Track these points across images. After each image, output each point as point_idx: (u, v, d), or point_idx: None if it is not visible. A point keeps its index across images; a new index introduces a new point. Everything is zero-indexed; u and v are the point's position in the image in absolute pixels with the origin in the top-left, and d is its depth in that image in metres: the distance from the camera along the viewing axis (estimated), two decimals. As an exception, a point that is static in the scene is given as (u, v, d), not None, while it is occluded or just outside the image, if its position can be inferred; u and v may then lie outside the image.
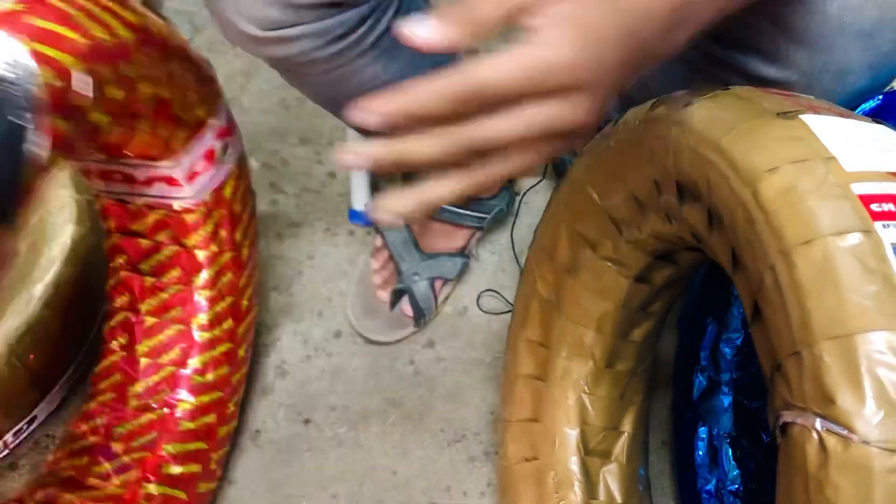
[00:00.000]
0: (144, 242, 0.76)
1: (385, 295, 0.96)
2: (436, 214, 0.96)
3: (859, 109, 0.60)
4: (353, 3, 0.65)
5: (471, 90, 0.39)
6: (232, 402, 0.81)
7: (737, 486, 0.76)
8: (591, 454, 0.75)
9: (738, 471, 0.76)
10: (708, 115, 0.51)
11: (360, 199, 1.02)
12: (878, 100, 0.59)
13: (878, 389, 0.38)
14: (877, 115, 0.58)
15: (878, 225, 0.41)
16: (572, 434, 0.75)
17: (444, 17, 0.38)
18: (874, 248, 0.40)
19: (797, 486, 0.41)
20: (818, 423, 0.40)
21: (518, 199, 1.04)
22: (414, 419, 0.91)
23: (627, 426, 0.77)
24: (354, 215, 1.04)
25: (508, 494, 0.78)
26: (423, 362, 0.95)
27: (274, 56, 0.67)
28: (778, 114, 0.47)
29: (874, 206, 0.41)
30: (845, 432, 0.38)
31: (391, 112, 0.39)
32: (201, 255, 0.76)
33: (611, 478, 0.76)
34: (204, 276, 0.77)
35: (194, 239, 0.76)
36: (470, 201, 0.96)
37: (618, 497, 0.75)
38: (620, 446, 0.76)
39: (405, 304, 0.95)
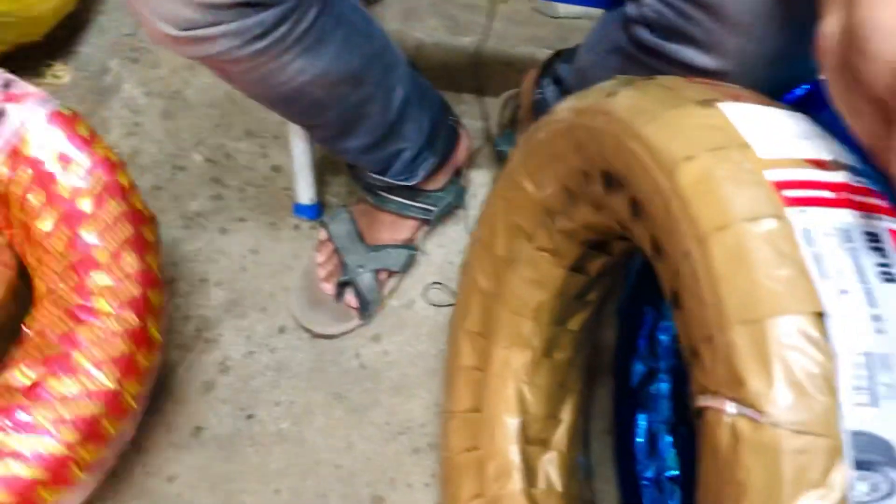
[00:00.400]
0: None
1: (330, 288, 0.96)
2: (381, 205, 0.95)
3: (788, 96, 0.60)
4: (272, 3, 0.64)
5: None
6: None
7: (675, 472, 0.77)
8: (531, 443, 0.76)
9: (676, 458, 0.77)
10: (631, 104, 0.51)
11: (304, 192, 1.01)
12: (806, 87, 0.60)
13: (786, 373, 0.38)
14: (806, 102, 0.59)
15: (790, 210, 0.41)
16: (512, 423, 0.75)
17: None
18: (786, 234, 0.40)
19: (712, 469, 0.42)
20: (729, 407, 0.40)
21: (466, 192, 1.04)
22: (359, 413, 0.91)
23: (567, 415, 0.77)
24: (300, 209, 1.03)
25: (450, 485, 0.78)
26: (368, 356, 0.95)
27: (196, 55, 0.67)
28: (698, 102, 0.48)
29: (787, 192, 0.42)
30: (755, 415, 0.39)
31: None
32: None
33: (551, 466, 0.76)
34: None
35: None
36: (416, 193, 0.95)
37: (557, 485, 0.75)
38: (560, 435, 0.77)
39: (350, 296, 0.95)
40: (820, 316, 0.38)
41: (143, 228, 0.80)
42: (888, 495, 0.36)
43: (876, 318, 0.38)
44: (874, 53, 0.37)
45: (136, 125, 1.12)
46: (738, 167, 0.43)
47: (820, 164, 0.43)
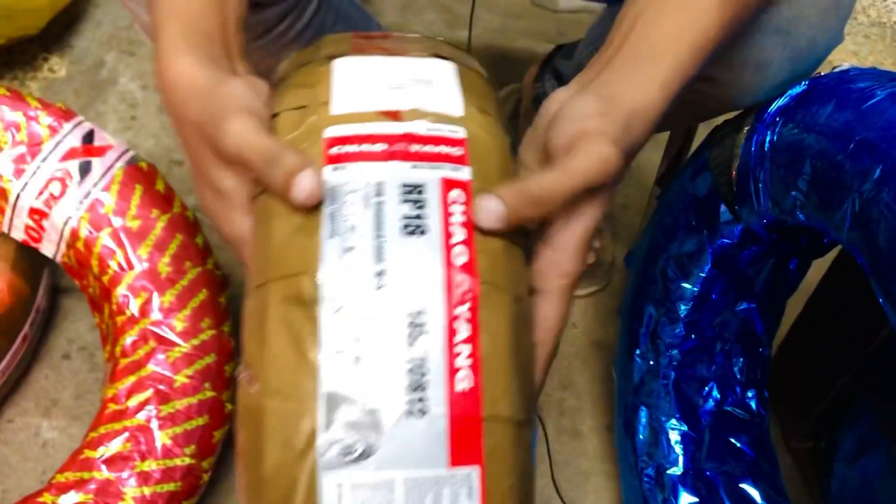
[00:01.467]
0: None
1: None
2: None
3: (786, 95, 0.60)
4: (271, 2, 0.64)
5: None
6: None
7: (677, 468, 0.77)
8: None
9: (677, 454, 0.77)
10: (284, 65, 0.50)
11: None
12: (804, 85, 0.59)
13: (275, 336, 0.38)
14: (803, 101, 0.58)
15: (327, 169, 0.40)
16: None
17: (512, 198, 0.40)
18: None
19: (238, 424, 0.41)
20: (240, 369, 0.41)
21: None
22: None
23: None
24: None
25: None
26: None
27: None
28: (323, 58, 0.47)
29: (334, 150, 0.41)
30: (248, 378, 0.39)
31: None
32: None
33: None
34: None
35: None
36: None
37: None
38: None
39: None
40: (316, 276, 0.38)
41: (218, 293, 0.79)
42: (363, 456, 0.36)
43: (379, 275, 0.38)
44: None
45: (133, 119, 1.11)
46: (300, 125, 0.43)
47: (392, 115, 0.42)
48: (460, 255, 0.39)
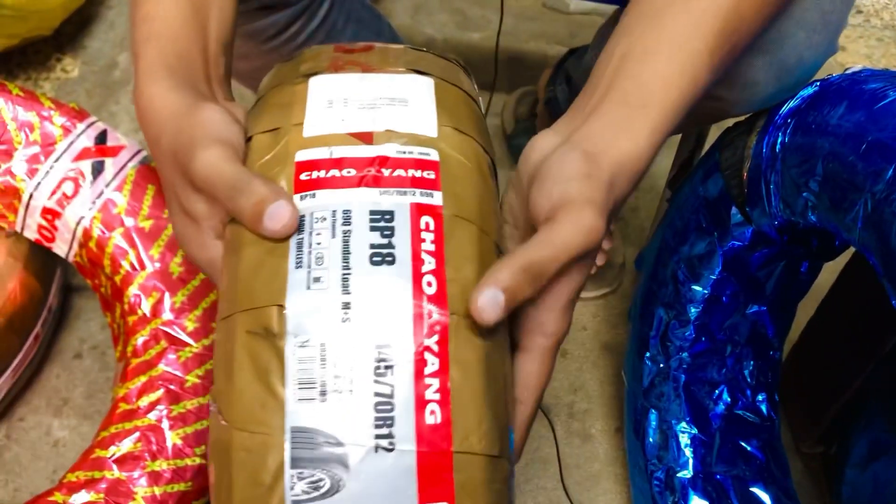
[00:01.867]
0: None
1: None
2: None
3: (798, 96, 0.60)
4: (285, 4, 0.64)
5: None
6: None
7: (687, 471, 0.76)
8: None
9: (687, 457, 0.77)
10: (264, 82, 0.49)
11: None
12: (816, 86, 0.59)
13: (242, 370, 0.37)
14: (814, 102, 0.58)
15: (297, 197, 0.40)
16: None
17: (507, 299, 0.38)
18: None
19: (208, 458, 0.41)
20: (210, 402, 0.40)
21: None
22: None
23: None
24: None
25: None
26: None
27: None
28: (301, 76, 0.46)
29: (305, 175, 0.40)
30: (218, 413, 0.38)
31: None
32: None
33: None
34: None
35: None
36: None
37: None
38: None
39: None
40: (282, 308, 0.37)
41: None
42: (330, 492, 0.35)
43: (346, 307, 0.37)
44: None
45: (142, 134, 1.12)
46: (275, 150, 0.42)
47: (363, 137, 0.41)
48: (430, 286, 0.38)
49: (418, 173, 0.40)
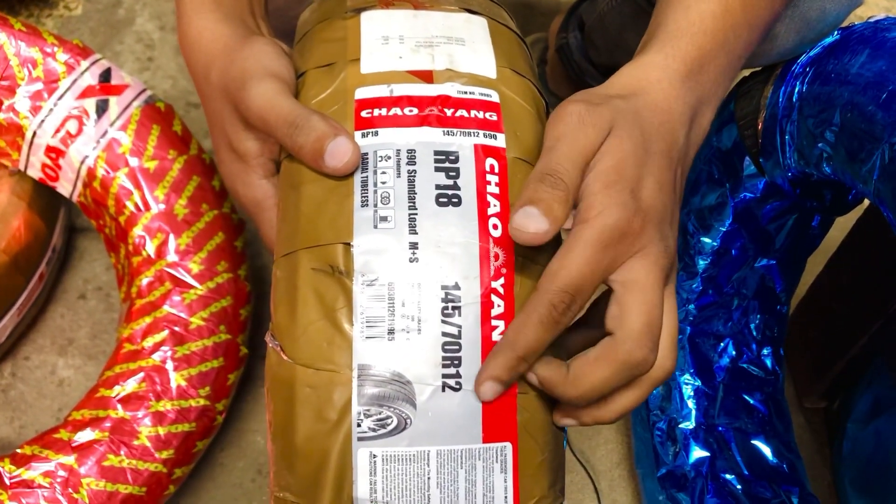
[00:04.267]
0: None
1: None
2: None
3: (818, 45, 0.59)
4: None
5: (571, 298, 0.37)
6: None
7: (689, 423, 0.77)
8: None
9: (690, 409, 0.77)
10: (306, 16, 0.48)
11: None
12: (837, 35, 0.58)
13: (306, 307, 0.37)
14: (834, 50, 0.57)
15: (359, 134, 0.39)
16: None
17: (543, 200, 0.37)
18: None
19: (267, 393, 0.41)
20: (269, 338, 0.40)
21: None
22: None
23: None
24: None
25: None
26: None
27: None
28: (350, 10, 0.45)
29: (365, 113, 0.40)
30: (279, 348, 0.38)
31: (512, 369, 0.37)
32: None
33: None
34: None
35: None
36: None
37: None
38: None
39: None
40: (349, 247, 0.37)
41: (234, 237, 0.79)
42: (397, 430, 0.36)
43: (413, 247, 0.37)
44: None
45: (150, 60, 1.10)
46: (331, 86, 0.41)
47: (423, 76, 0.41)
48: (496, 228, 0.38)
49: (481, 114, 0.40)
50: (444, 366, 0.36)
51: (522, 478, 0.37)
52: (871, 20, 0.57)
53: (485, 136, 0.39)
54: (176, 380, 0.73)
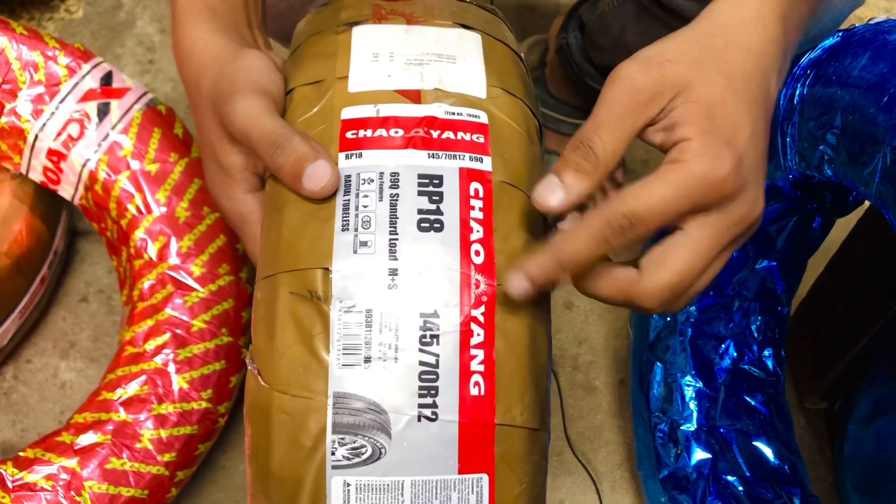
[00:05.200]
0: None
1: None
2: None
3: (819, 47, 0.59)
4: None
5: (629, 224, 0.36)
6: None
7: (690, 424, 0.77)
8: None
9: (691, 410, 0.77)
10: (301, 27, 0.48)
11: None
12: (838, 37, 0.58)
13: (284, 332, 0.37)
14: (836, 53, 0.57)
15: (342, 156, 0.39)
16: None
17: (568, 171, 0.37)
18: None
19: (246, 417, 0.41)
20: (248, 360, 0.39)
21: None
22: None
23: None
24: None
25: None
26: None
27: None
28: (342, 24, 0.44)
29: (350, 133, 0.39)
30: (257, 372, 0.38)
31: (549, 273, 0.37)
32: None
33: None
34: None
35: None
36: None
37: None
38: None
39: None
40: (328, 272, 0.37)
41: (235, 239, 0.79)
42: (371, 458, 0.35)
43: (393, 273, 0.37)
44: None
45: (151, 63, 1.10)
46: (320, 105, 0.41)
47: (411, 96, 0.40)
48: (478, 255, 0.37)
49: (468, 136, 0.39)
50: (420, 395, 0.36)
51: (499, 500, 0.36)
52: (872, 22, 0.57)
53: (471, 159, 0.39)
54: (178, 382, 0.73)
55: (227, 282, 0.77)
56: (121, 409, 0.72)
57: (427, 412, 0.36)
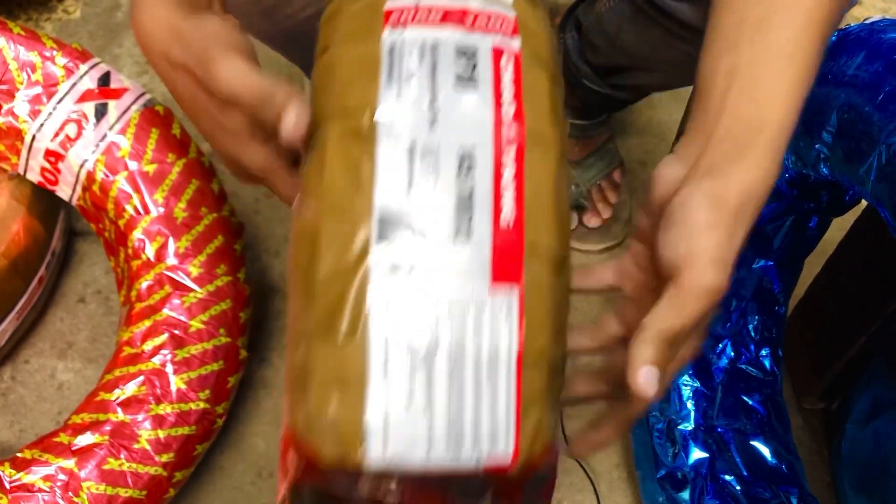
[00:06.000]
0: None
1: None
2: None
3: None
4: None
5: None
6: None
7: (688, 424, 0.77)
8: None
9: (689, 410, 0.77)
10: None
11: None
12: (833, 37, 0.58)
13: (333, 161, 0.41)
14: (832, 52, 0.57)
15: (387, 30, 0.42)
16: None
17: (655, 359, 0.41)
18: (371, 49, 0.42)
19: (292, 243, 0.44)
20: (295, 204, 0.43)
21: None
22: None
23: None
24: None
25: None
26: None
27: None
28: None
29: (391, 18, 0.43)
30: (306, 202, 0.42)
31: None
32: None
33: None
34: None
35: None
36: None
37: None
38: None
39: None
40: (374, 113, 0.40)
41: (233, 240, 0.79)
42: (411, 270, 0.39)
43: (433, 115, 0.41)
44: None
45: (148, 63, 1.10)
46: (364, 3, 0.44)
47: None
48: (510, 107, 0.42)
49: (499, 24, 0.44)
50: (457, 217, 0.39)
51: (528, 326, 0.39)
52: (868, 21, 0.58)
53: (502, 38, 0.43)
54: (176, 383, 0.73)
55: (225, 282, 0.77)
56: (119, 409, 0.72)
57: (463, 230, 0.40)
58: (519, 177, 0.41)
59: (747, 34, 0.44)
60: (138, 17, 0.43)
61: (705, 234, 0.41)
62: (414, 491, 0.38)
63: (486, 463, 0.39)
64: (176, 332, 0.74)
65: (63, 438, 0.72)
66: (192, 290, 0.76)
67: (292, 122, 0.40)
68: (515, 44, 0.43)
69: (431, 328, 0.38)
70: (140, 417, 0.72)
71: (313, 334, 0.40)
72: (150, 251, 0.76)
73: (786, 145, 0.44)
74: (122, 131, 0.77)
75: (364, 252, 0.39)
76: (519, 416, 0.39)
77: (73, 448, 0.71)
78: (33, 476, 0.69)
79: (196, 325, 0.75)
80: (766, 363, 0.77)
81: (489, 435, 0.39)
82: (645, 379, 0.40)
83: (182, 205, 0.77)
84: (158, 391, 0.73)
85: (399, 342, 0.38)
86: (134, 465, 0.71)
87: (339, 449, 0.39)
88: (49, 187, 0.80)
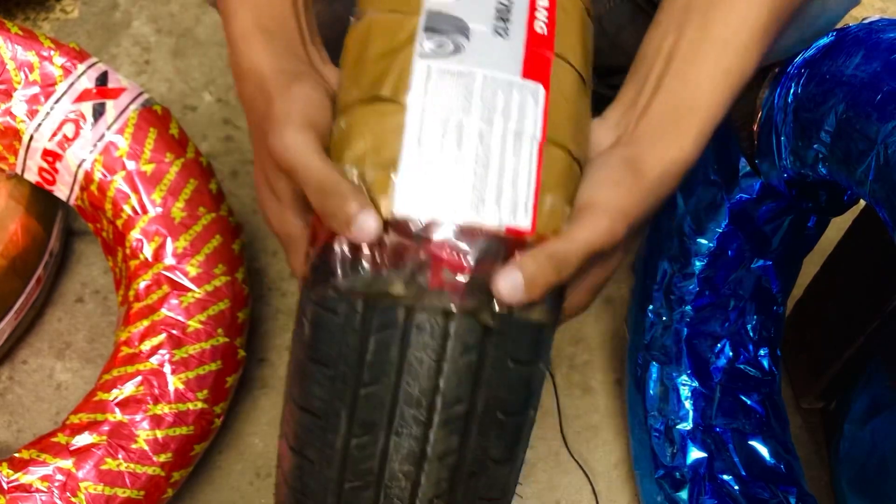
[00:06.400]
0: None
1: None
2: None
3: (813, 46, 0.59)
4: None
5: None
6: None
7: (686, 424, 0.77)
8: None
9: (687, 410, 0.77)
10: None
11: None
12: (832, 36, 0.58)
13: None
14: (830, 52, 0.57)
15: None
16: None
17: (529, 269, 0.41)
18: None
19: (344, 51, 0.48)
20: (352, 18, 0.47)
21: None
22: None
23: None
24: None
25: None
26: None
27: None
28: None
29: None
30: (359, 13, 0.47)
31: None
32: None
33: None
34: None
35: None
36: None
37: None
38: None
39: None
40: None
41: (232, 240, 0.79)
42: (453, 52, 0.43)
43: None
44: None
45: (147, 63, 1.10)
46: None
47: None
48: None
49: None
50: (496, 18, 0.44)
51: (551, 121, 0.43)
52: (866, 21, 0.58)
53: None
54: (174, 383, 0.73)
55: (223, 282, 0.77)
56: (117, 409, 0.72)
57: (500, 28, 0.44)
58: (552, 8, 0.45)
59: (693, 18, 0.46)
60: (239, 60, 0.45)
61: (610, 189, 0.43)
62: (437, 247, 0.40)
63: (508, 225, 0.41)
64: (174, 332, 0.74)
65: (61, 438, 0.72)
66: (190, 289, 0.75)
67: (373, 228, 0.40)
68: None
69: (465, 100, 0.42)
70: (138, 417, 0.72)
71: (357, 101, 0.43)
72: (147, 251, 0.76)
73: (712, 130, 0.46)
74: (120, 131, 0.77)
75: (411, 36, 0.43)
76: (537, 195, 0.42)
77: (71, 448, 0.71)
78: (31, 476, 0.69)
79: (194, 325, 0.75)
80: (765, 363, 0.77)
81: (510, 206, 0.41)
82: (505, 281, 0.40)
83: (180, 204, 0.77)
84: (156, 391, 0.73)
85: (434, 110, 0.42)
86: (132, 466, 0.71)
87: (370, 200, 0.42)
88: (47, 187, 0.80)
